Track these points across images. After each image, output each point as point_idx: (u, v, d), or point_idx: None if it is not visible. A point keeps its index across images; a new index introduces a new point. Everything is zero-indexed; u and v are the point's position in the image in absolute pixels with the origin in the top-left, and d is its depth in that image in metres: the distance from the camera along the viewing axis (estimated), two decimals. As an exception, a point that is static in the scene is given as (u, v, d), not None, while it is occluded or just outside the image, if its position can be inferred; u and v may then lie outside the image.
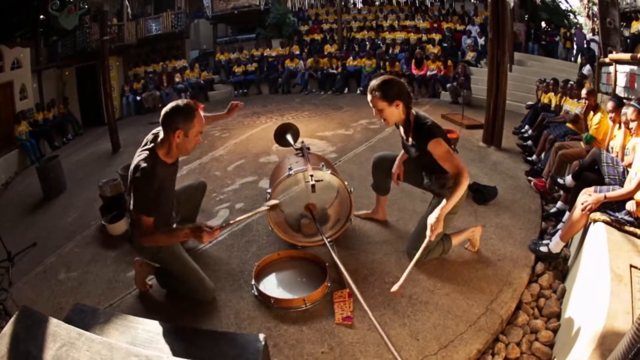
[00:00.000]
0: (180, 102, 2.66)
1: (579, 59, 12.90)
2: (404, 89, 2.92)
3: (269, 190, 3.43)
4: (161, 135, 2.71)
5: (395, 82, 2.90)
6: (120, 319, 2.36)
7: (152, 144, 2.70)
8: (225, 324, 2.84)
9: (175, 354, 1.74)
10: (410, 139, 3.03)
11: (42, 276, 3.92)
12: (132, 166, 2.64)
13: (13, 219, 6.07)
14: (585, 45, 12.80)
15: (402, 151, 3.44)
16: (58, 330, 1.80)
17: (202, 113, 2.72)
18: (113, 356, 1.70)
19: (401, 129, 3.13)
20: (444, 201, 2.71)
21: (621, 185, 3.27)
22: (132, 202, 2.59)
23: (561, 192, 4.37)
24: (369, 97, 2.91)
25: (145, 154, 2.64)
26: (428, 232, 2.69)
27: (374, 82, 2.90)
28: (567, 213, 3.73)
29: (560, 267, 3.40)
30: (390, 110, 2.88)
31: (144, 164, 2.57)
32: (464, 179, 2.72)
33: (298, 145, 3.98)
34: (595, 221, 3.02)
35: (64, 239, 4.60)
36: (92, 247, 4.29)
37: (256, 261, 3.35)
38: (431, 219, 2.68)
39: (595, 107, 4.94)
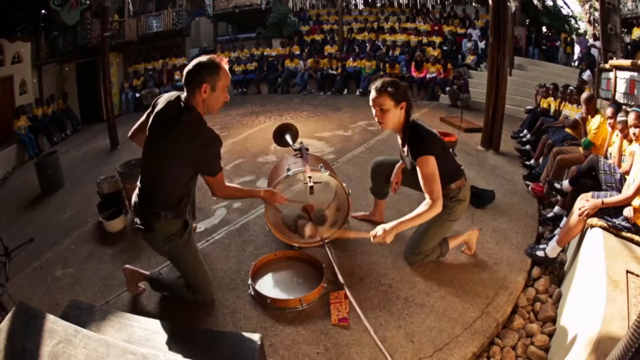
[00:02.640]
0: (202, 57, 2.54)
1: (576, 63, 12.97)
2: (408, 92, 2.92)
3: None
4: (183, 107, 2.57)
5: (402, 84, 2.88)
6: (117, 316, 2.36)
7: (185, 105, 2.56)
8: (221, 323, 2.83)
9: (171, 352, 1.74)
10: (405, 149, 3.00)
11: (39, 272, 3.91)
12: (197, 138, 2.52)
13: (10, 214, 6.06)
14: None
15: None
16: (55, 326, 1.80)
17: (226, 66, 2.60)
18: (109, 354, 1.70)
19: (398, 137, 3.10)
20: (406, 217, 2.67)
21: (618, 192, 3.28)
22: (210, 168, 2.62)
23: (558, 197, 4.38)
24: (375, 95, 2.85)
25: (199, 120, 2.55)
26: (373, 235, 2.62)
27: (381, 81, 2.85)
28: (564, 218, 3.74)
29: (556, 271, 3.41)
30: (395, 111, 2.84)
31: (210, 131, 2.56)
32: (434, 209, 2.67)
33: (297, 145, 3.98)
34: (592, 227, 3.03)
35: (61, 235, 4.60)
36: (89, 243, 4.28)
37: (253, 261, 3.35)
38: (385, 227, 2.61)
39: (594, 113, 4.96)
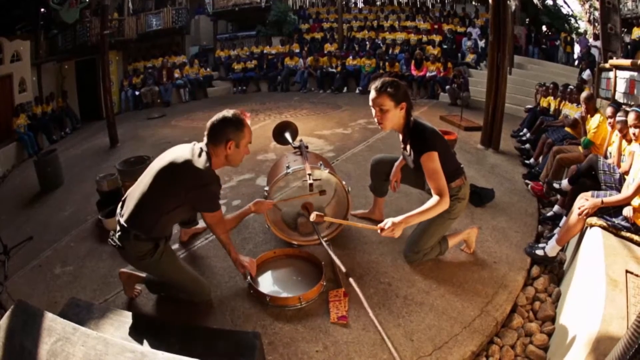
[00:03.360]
0: (226, 113, 2.61)
1: (576, 62, 12.95)
2: (408, 92, 2.91)
3: (267, 188, 3.43)
4: (200, 147, 2.63)
5: (402, 84, 2.87)
6: (115, 314, 2.36)
7: (202, 148, 2.61)
8: (220, 321, 2.83)
9: (169, 350, 1.73)
10: (408, 148, 3.01)
11: (38, 270, 3.90)
12: (193, 173, 2.52)
13: (9, 212, 6.05)
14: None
15: (401, 156, 3.43)
16: (53, 324, 1.80)
17: (249, 122, 2.68)
18: (108, 351, 1.69)
19: (400, 136, 3.09)
20: (414, 211, 2.68)
21: (618, 192, 3.28)
22: (206, 206, 2.65)
23: (558, 196, 4.38)
24: (374, 95, 2.84)
25: (204, 161, 2.54)
26: (381, 229, 2.62)
27: (381, 80, 2.84)
28: (564, 217, 3.74)
29: (555, 271, 3.41)
30: (395, 112, 2.83)
31: (211, 172, 2.55)
32: (441, 204, 2.68)
33: (296, 143, 3.97)
34: (591, 226, 3.03)
35: (60, 233, 4.59)
36: (88, 241, 4.28)
37: (252, 258, 3.35)
38: (394, 220, 2.61)
39: (593, 112, 4.96)
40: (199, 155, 2.56)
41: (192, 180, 2.51)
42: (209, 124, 2.61)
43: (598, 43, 10.04)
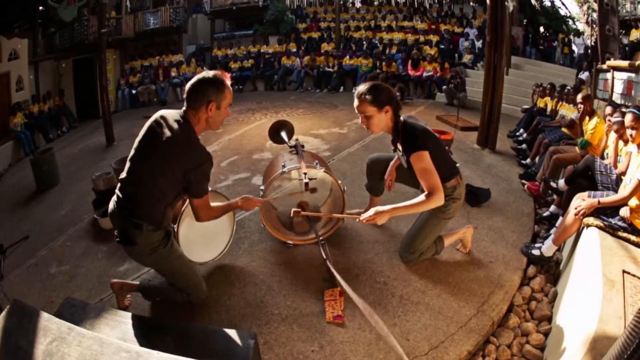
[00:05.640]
0: (205, 73, 2.45)
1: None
2: (393, 94, 2.87)
3: (262, 187, 3.42)
4: (179, 118, 2.47)
5: (385, 87, 2.84)
6: (111, 313, 2.35)
7: (182, 120, 2.46)
8: (216, 321, 2.83)
9: (165, 350, 1.73)
10: (400, 149, 2.99)
11: (34, 270, 3.90)
12: (188, 152, 2.41)
13: (6, 211, 6.03)
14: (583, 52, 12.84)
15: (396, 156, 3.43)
16: (49, 324, 1.79)
17: (228, 82, 2.52)
18: (103, 351, 1.69)
19: (391, 138, 3.08)
20: (403, 203, 2.68)
21: (614, 193, 3.28)
22: (198, 188, 2.48)
23: (554, 196, 4.39)
24: (356, 103, 2.83)
25: (192, 136, 2.44)
26: (364, 216, 2.64)
27: (362, 87, 2.82)
28: (560, 217, 3.74)
29: (552, 270, 3.41)
30: (379, 117, 2.81)
31: (203, 149, 2.45)
32: (434, 200, 2.67)
33: (292, 142, 3.97)
34: (588, 226, 3.03)
35: (56, 232, 4.58)
36: (84, 240, 4.27)
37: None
38: (379, 209, 2.63)
39: (591, 113, 4.97)
40: (182, 130, 2.42)
41: (189, 161, 2.41)
42: (187, 86, 2.45)
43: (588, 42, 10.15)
